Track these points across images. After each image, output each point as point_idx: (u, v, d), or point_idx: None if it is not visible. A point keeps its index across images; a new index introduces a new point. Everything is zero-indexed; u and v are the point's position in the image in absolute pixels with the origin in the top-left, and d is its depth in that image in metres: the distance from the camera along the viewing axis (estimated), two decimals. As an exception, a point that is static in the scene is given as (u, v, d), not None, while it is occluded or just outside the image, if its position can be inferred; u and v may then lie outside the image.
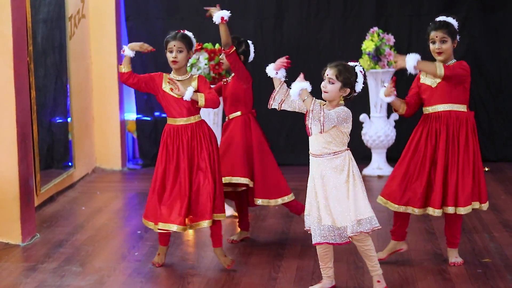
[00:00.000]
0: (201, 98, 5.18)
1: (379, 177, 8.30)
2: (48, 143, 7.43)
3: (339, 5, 8.97)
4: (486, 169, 5.36)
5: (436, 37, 5.23)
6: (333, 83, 4.68)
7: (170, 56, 5.26)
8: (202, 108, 5.30)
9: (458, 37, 5.31)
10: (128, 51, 5.27)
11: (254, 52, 6.00)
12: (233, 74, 5.87)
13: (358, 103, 8.40)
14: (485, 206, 5.33)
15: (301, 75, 4.59)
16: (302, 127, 4.91)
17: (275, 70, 4.74)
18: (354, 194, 4.67)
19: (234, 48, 5.68)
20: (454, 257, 5.37)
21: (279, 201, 5.85)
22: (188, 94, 5.12)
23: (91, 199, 7.61)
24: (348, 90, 4.70)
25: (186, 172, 5.23)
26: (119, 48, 8.81)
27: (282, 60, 4.74)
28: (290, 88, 4.61)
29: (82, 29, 8.43)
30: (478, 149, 5.31)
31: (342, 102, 4.72)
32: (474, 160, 5.26)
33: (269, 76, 4.77)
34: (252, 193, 5.88)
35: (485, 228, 6.24)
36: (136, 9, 8.99)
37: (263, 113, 5.97)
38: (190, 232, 6.14)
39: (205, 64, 8.01)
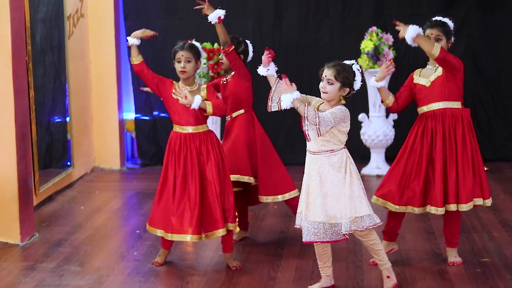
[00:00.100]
0: (209, 106, 5.16)
1: (378, 176, 8.29)
2: (47, 143, 7.42)
3: (338, 4, 8.96)
4: (486, 168, 5.36)
5: (431, 34, 5.26)
6: (332, 84, 4.68)
7: (178, 66, 5.24)
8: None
9: (453, 38, 5.34)
10: (132, 40, 5.26)
11: (253, 52, 6.00)
12: (232, 73, 5.87)
13: (357, 103, 8.42)
14: (488, 201, 5.32)
15: (287, 81, 4.58)
16: (301, 127, 4.91)
17: (265, 68, 4.74)
18: (350, 192, 4.67)
19: (233, 46, 5.69)
20: (453, 256, 5.37)
21: (286, 196, 5.86)
22: (196, 103, 5.10)
23: (90, 198, 7.60)
24: (348, 90, 4.70)
25: (195, 181, 5.21)
26: (117, 47, 8.82)
27: (265, 55, 4.75)
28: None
29: (80, 28, 8.42)
30: (476, 145, 5.31)
31: (344, 101, 4.72)
32: (473, 156, 5.26)
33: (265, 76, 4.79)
34: (254, 192, 5.89)
35: (484, 227, 6.24)
36: (134, 9, 8.98)
37: (261, 113, 5.97)
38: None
39: (204, 64, 8.02)
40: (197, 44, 5.34)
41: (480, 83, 8.96)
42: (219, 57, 5.95)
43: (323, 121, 4.54)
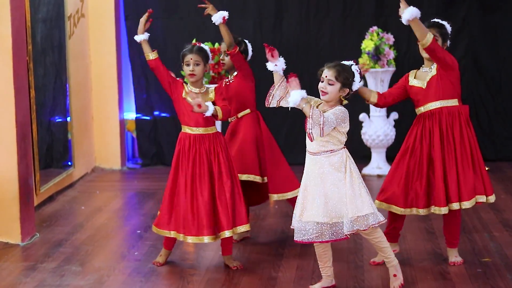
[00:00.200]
0: (219, 112, 5.17)
1: (379, 176, 8.30)
2: (48, 143, 7.42)
3: (338, 4, 8.96)
4: (487, 168, 5.35)
5: None
6: (332, 84, 4.68)
7: (187, 70, 5.24)
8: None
9: (449, 42, 5.35)
10: (139, 36, 5.26)
11: (253, 51, 6.00)
12: (234, 74, 5.87)
13: (358, 103, 8.41)
14: (491, 198, 5.31)
15: (296, 80, 4.56)
16: (302, 127, 4.91)
17: (272, 62, 4.70)
18: (351, 191, 4.66)
19: (238, 48, 5.70)
20: (454, 256, 5.37)
21: (296, 193, 5.87)
22: (210, 111, 5.09)
23: (91, 198, 7.60)
24: (347, 90, 4.71)
25: (205, 183, 5.21)
26: (118, 47, 8.82)
27: (268, 52, 4.69)
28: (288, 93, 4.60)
29: (81, 28, 8.42)
30: (475, 141, 5.29)
31: (346, 102, 4.72)
32: (472, 153, 5.25)
33: (268, 76, 4.77)
34: (256, 192, 5.90)
35: (485, 227, 6.24)
36: (135, 9, 8.97)
37: (262, 112, 5.98)
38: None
39: (205, 64, 8.01)
40: (206, 47, 5.34)
41: (480, 83, 8.96)
42: (221, 57, 5.95)
43: (327, 122, 4.54)
